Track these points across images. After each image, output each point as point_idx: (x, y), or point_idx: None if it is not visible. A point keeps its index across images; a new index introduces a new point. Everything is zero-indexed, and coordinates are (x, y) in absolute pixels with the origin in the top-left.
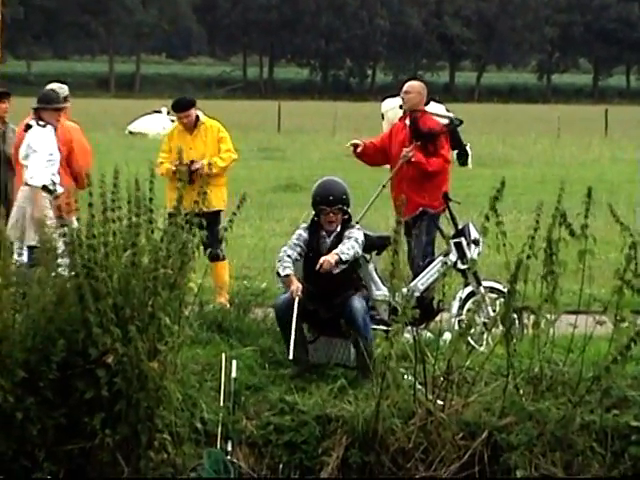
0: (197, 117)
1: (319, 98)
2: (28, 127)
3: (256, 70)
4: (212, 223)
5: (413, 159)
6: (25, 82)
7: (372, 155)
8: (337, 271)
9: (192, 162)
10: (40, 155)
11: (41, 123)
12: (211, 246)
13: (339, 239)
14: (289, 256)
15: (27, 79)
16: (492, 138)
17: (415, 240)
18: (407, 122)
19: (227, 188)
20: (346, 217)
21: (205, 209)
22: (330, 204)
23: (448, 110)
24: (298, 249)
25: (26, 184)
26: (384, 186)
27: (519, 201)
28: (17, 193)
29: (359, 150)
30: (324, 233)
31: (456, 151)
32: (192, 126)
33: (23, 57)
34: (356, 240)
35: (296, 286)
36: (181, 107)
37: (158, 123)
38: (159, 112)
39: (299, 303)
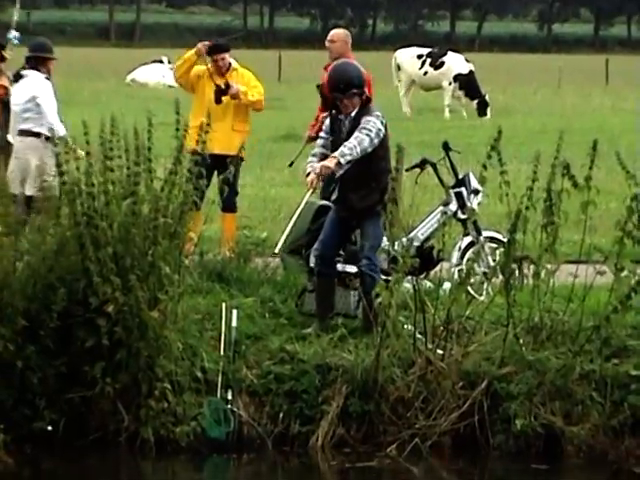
0: (230, 63)
1: (319, 48)
2: (19, 77)
3: (257, 19)
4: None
5: None
6: (25, 31)
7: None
8: (340, 172)
9: (228, 84)
10: (52, 105)
11: (42, 73)
12: (228, 194)
13: (357, 122)
14: (314, 155)
15: (27, 28)
16: (493, 88)
17: None
18: None
19: (246, 137)
20: (364, 98)
21: (232, 152)
22: (341, 91)
23: (467, 60)
24: (322, 141)
25: (31, 134)
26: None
27: (519, 151)
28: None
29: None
30: (342, 116)
31: (476, 101)
32: (225, 70)
33: (23, 6)
34: (368, 133)
35: (311, 178)
36: (219, 49)
37: (158, 73)
38: (160, 62)
39: (310, 198)
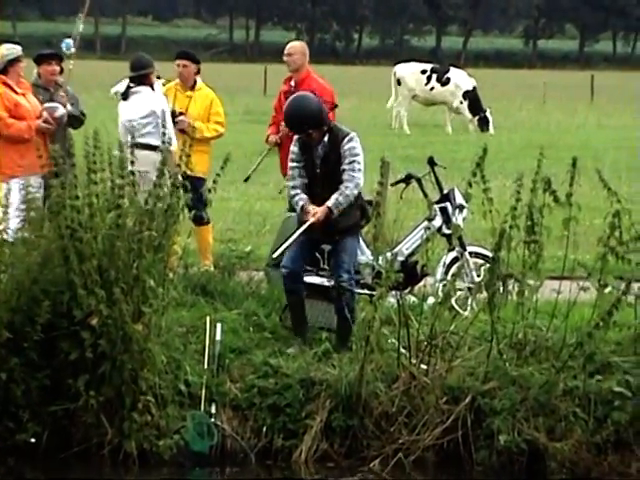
0: (195, 81)
1: None
2: (127, 94)
3: (242, 33)
4: (195, 189)
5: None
6: (11, 43)
7: None
8: (335, 216)
9: (181, 114)
10: (169, 118)
11: (153, 88)
12: (195, 209)
13: (332, 148)
14: (294, 187)
15: (13, 40)
16: None
17: None
18: (292, 84)
19: (210, 156)
20: (325, 128)
21: (189, 172)
22: (301, 130)
23: (470, 75)
24: (297, 171)
25: (149, 147)
26: (270, 149)
27: (504, 167)
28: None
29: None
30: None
31: (477, 117)
32: (189, 84)
33: (9, 18)
34: (359, 167)
35: (312, 210)
36: (182, 55)
37: None
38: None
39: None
